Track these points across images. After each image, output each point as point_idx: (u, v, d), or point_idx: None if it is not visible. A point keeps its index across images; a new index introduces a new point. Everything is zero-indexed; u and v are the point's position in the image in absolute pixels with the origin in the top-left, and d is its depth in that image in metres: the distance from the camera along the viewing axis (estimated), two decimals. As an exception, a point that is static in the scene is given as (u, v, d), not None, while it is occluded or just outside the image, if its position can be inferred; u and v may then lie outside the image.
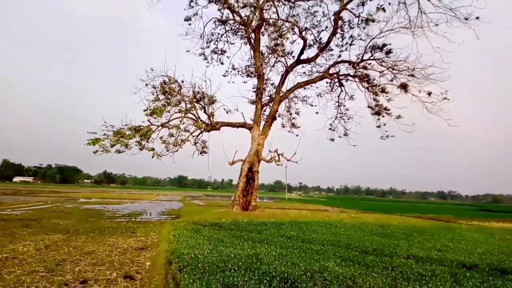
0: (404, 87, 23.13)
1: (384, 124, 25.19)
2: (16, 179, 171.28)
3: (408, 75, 22.87)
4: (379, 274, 6.77)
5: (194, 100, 23.80)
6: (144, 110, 21.52)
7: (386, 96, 24.28)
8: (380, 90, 24.27)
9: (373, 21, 22.84)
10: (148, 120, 21.88)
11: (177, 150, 23.38)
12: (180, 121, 23.38)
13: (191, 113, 23.78)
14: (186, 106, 23.56)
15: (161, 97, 22.58)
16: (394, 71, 23.43)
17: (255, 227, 14.13)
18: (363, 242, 11.22)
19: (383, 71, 23.94)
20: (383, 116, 24.99)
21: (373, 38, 23.51)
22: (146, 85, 22.51)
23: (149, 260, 7.67)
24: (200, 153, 25.52)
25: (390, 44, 23.22)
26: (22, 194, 42.46)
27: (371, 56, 24.12)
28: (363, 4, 22.51)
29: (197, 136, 25.00)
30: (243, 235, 11.74)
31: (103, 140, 20.15)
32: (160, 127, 22.50)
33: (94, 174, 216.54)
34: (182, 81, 23.50)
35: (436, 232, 15.67)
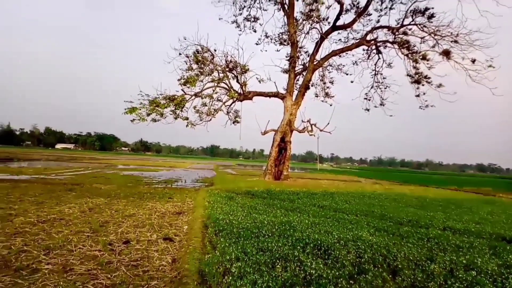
0: (446, 53, 21.85)
1: (424, 93, 24.19)
2: (58, 145, 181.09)
3: (451, 41, 21.54)
4: (414, 245, 6.70)
5: (227, 69, 23.73)
6: (178, 80, 21.78)
7: (427, 64, 23.10)
8: (421, 57, 23.04)
9: (415, -19, 21.44)
10: (182, 90, 22.20)
11: (210, 120, 23.71)
12: (213, 91, 23.53)
13: (224, 83, 23.81)
14: (219, 75, 23.60)
15: (194, 66, 22.70)
16: (436, 37, 22.10)
17: (287, 196, 14.27)
18: (398, 213, 11.09)
19: (424, 37, 22.65)
20: (423, 85, 23.93)
21: (414, 1, 22.20)
22: (180, 54, 22.66)
23: (186, 224, 7.98)
24: (233, 123, 25.74)
25: (433, 8, 21.88)
26: (64, 160, 44.85)
27: (412, 21, 22.79)
28: (405, -36, 21.10)
29: (230, 105, 25.17)
30: (275, 204, 11.91)
31: (140, 109, 20.72)
32: (193, 97, 22.77)
33: (131, 142, 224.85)
34: (215, 50, 23.45)
35: (475, 205, 15.23)
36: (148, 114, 21.08)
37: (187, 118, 22.67)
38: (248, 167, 62.04)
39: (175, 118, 22.33)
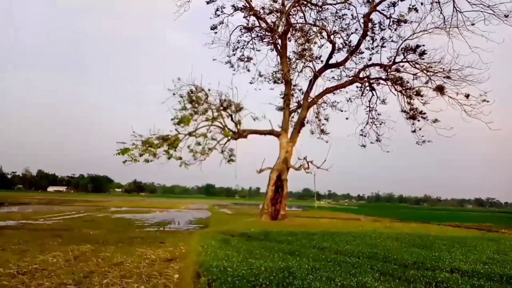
0: (440, 89, 22.06)
1: (420, 129, 24.17)
2: (50, 188, 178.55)
3: (444, 77, 21.83)
4: (423, 291, 6.19)
5: (221, 108, 23.77)
6: (172, 119, 21.71)
7: (421, 100, 23.24)
8: (415, 93, 23.25)
9: (405, 22, 22.03)
10: (175, 129, 22.09)
11: (204, 159, 23.40)
12: (207, 130, 23.44)
13: (218, 121, 23.77)
14: (213, 114, 23.59)
15: (188, 106, 22.74)
16: (429, 73, 22.41)
17: (285, 237, 13.71)
18: (402, 254, 10.54)
19: (417, 73, 22.98)
20: (418, 120, 23.97)
21: (405, 40, 22.68)
22: (174, 94, 22.77)
23: (177, 273, 7.42)
24: (228, 162, 25.40)
25: (423, 45, 22.31)
26: (55, 203, 43.89)
27: (404, 58, 23.21)
28: (394, 5, 21.83)
29: (224, 144, 24.95)
30: (273, 246, 11.36)
31: (132, 150, 20.44)
32: (187, 136, 22.61)
33: (125, 183, 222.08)
34: (209, 89, 23.60)
35: (479, 243, 14.66)
36: (141, 155, 20.79)
37: (180, 158, 22.37)
38: (245, 206, 61.09)
39: (168, 158, 22.02)
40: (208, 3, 24.18)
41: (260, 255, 9.54)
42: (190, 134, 22.72)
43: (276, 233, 14.95)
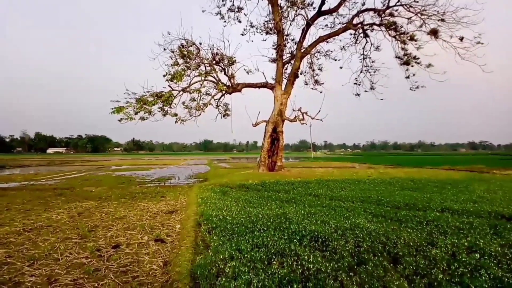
0: (434, 33, 21.59)
1: (413, 74, 23.98)
2: (50, 150, 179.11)
3: (438, 20, 21.27)
4: (413, 229, 6.54)
5: (214, 62, 23.28)
6: (164, 75, 21.30)
7: (415, 44, 22.80)
8: (409, 38, 22.76)
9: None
10: (169, 86, 21.75)
11: (200, 114, 23.30)
12: (201, 85, 23.08)
13: (211, 76, 23.38)
14: (205, 69, 23.13)
15: (180, 61, 22.19)
16: (423, 17, 21.79)
17: (282, 187, 14.10)
18: (394, 197, 10.95)
19: (411, 17, 22.31)
20: (412, 66, 23.69)
21: (400, -19, 21.79)
22: (164, 49, 22.14)
23: (179, 223, 7.74)
24: (223, 116, 25.36)
25: (418, -14, 21.46)
26: (56, 164, 44.22)
27: (398, 1, 22.39)
28: None
29: (219, 99, 24.77)
30: (270, 196, 11.71)
31: (127, 108, 20.28)
32: (181, 92, 22.34)
33: (123, 142, 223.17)
34: (200, 43, 22.92)
35: (470, 184, 15.19)
36: (136, 113, 20.64)
37: (176, 114, 22.25)
38: (243, 160, 61.83)
39: (164, 115, 21.91)
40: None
41: (258, 204, 9.88)
42: (184, 90, 22.43)
43: (273, 183, 15.35)
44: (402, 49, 23.67)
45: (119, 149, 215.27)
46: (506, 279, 4.07)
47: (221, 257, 4.84)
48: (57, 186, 16.40)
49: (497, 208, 8.82)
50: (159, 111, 21.77)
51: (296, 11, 24.98)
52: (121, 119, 20.50)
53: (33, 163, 48.78)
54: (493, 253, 4.99)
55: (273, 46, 26.42)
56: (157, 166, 38.02)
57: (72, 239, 6.49)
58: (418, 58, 23.14)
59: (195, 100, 23.29)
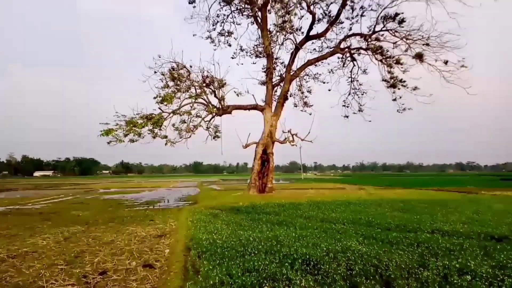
0: (419, 57, 22.26)
1: (400, 97, 24.53)
2: (37, 173, 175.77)
3: (423, 44, 21.98)
4: (404, 251, 6.51)
5: (204, 84, 23.47)
6: (154, 98, 21.38)
7: (401, 68, 23.45)
8: (395, 61, 23.41)
9: (384, -11, 21.93)
10: (159, 108, 21.80)
11: (190, 136, 23.28)
12: (191, 107, 23.18)
13: (202, 98, 23.52)
14: (196, 91, 23.29)
15: (170, 83, 22.36)
16: (408, 41, 22.52)
17: (272, 209, 14.00)
18: (385, 218, 10.95)
19: (396, 41, 23.04)
20: (398, 89, 24.26)
21: (384, 8, 22.61)
22: (155, 72, 22.31)
23: (168, 248, 7.59)
24: (213, 138, 25.36)
25: (402, 13, 22.28)
26: (42, 188, 43.37)
27: (384, 27, 23.19)
28: (373, -27, 21.59)
29: (209, 121, 24.82)
30: (261, 218, 11.61)
31: (116, 130, 20.19)
32: (171, 114, 22.38)
33: (112, 164, 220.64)
34: (191, 66, 23.19)
35: (459, 205, 15.30)
36: (125, 135, 20.56)
37: (166, 137, 22.21)
38: (233, 182, 61.48)
39: (154, 137, 21.85)
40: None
41: (248, 226, 9.77)
42: (174, 112, 22.47)
43: (264, 205, 15.23)
44: (389, 72, 24.28)
45: (107, 171, 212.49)
46: (498, 301, 4.05)
47: (211, 282, 4.74)
48: (44, 211, 16.03)
49: (487, 229, 8.87)
50: (148, 133, 21.72)
51: (285, 35, 25.63)
52: (110, 141, 20.38)
53: (19, 186, 47.77)
54: (484, 275, 4.98)
55: (263, 69, 26.86)
56: (146, 189, 37.55)
57: (57, 266, 6.29)
58: (405, 81, 23.74)
59: (185, 122, 23.31)
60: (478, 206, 14.70)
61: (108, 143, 20.36)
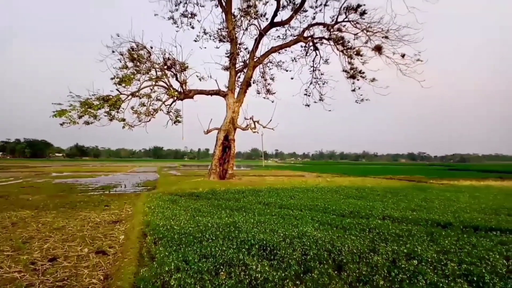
0: (378, 49, 23.00)
1: (359, 88, 25.26)
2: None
3: (382, 37, 22.71)
4: (357, 237, 6.79)
5: (165, 67, 22.83)
6: (112, 79, 20.49)
7: (361, 59, 24.15)
8: (355, 53, 24.04)
9: (347, -20, 22.29)
10: (117, 89, 20.94)
11: (149, 120, 22.66)
12: (151, 90, 22.51)
13: (163, 81, 22.89)
14: (156, 73, 22.61)
15: (130, 64, 21.50)
16: (368, 33, 23.18)
17: (232, 195, 14.05)
18: (340, 205, 11.32)
19: (357, 33, 23.65)
20: (358, 80, 24.97)
21: (347, -1, 23.00)
22: (113, 52, 21.34)
23: (123, 234, 7.40)
24: (174, 123, 24.86)
25: (364, 4, 22.85)
26: (-11, 170, 40.66)
27: (346, 17, 23.68)
28: (337, -37, 21.84)
29: (170, 105, 24.30)
30: (220, 204, 11.61)
31: (70, 112, 19.19)
32: (130, 96, 21.61)
33: (66, 147, 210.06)
34: (151, 47, 22.42)
35: (409, 193, 16.10)
36: (80, 116, 19.59)
37: (123, 120, 21.42)
38: (194, 167, 60.93)
39: (110, 120, 20.99)
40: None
41: (207, 212, 9.74)
42: (133, 94, 21.70)
43: (224, 192, 15.25)
44: (349, 63, 24.91)
45: (61, 154, 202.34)
46: (441, 284, 4.33)
47: (167, 269, 4.68)
48: (-12, 194, 15.05)
49: (434, 216, 9.41)
50: (105, 116, 20.84)
51: (249, 20, 25.41)
52: (63, 123, 19.36)
53: (-40, 168, 44.47)
54: (429, 260, 5.30)
55: (226, 54, 26.59)
56: (102, 173, 36.26)
57: (4, 252, 5.95)
58: (364, 73, 24.45)
59: (145, 105, 22.62)
60: (426, 194, 15.56)
61: (61, 124, 19.32)
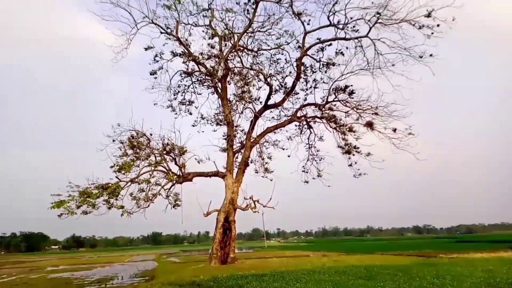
0: (369, 125, 23.80)
1: (355, 163, 25.48)
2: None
3: (372, 114, 23.62)
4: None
5: (164, 152, 23.30)
6: (111, 167, 20.73)
7: (354, 135, 24.78)
8: (348, 129, 24.82)
9: (333, 64, 23.90)
10: (116, 177, 21.06)
11: (148, 206, 22.37)
12: (150, 175, 22.65)
13: (162, 166, 23.17)
14: (156, 159, 22.99)
15: (129, 152, 21.93)
16: (358, 111, 24.18)
17: (235, 282, 13.37)
18: (349, 287, 10.75)
19: (348, 111, 24.65)
20: (353, 155, 25.31)
21: (335, 81, 24.43)
22: (113, 140, 21.88)
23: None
24: (173, 207, 24.53)
25: (351, 85, 24.12)
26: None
27: (335, 97, 24.91)
28: (322, 50, 23.65)
29: (169, 189, 24.21)
30: (223, 293, 10.99)
31: (68, 202, 19.03)
32: (129, 183, 21.65)
33: (62, 239, 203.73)
34: (151, 134, 23.12)
35: (420, 270, 15.40)
36: (78, 206, 19.36)
37: (122, 207, 21.12)
38: (194, 253, 58.78)
39: (109, 208, 20.69)
40: (146, 49, 24.39)
41: (209, 303, 9.18)
42: (132, 181, 21.77)
43: (226, 278, 14.53)
44: (343, 139, 25.53)
45: (57, 247, 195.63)
46: None
47: None
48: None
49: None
50: (103, 204, 20.64)
51: (244, 104, 26.71)
52: (61, 214, 19.10)
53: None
54: None
55: (223, 136, 27.31)
56: (98, 265, 34.77)
57: None
58: (358, 148, 24.91)
59: (144, 191, 22.54)
60: (437, 270, 14.87)
61: (59, 216, 19.03)
